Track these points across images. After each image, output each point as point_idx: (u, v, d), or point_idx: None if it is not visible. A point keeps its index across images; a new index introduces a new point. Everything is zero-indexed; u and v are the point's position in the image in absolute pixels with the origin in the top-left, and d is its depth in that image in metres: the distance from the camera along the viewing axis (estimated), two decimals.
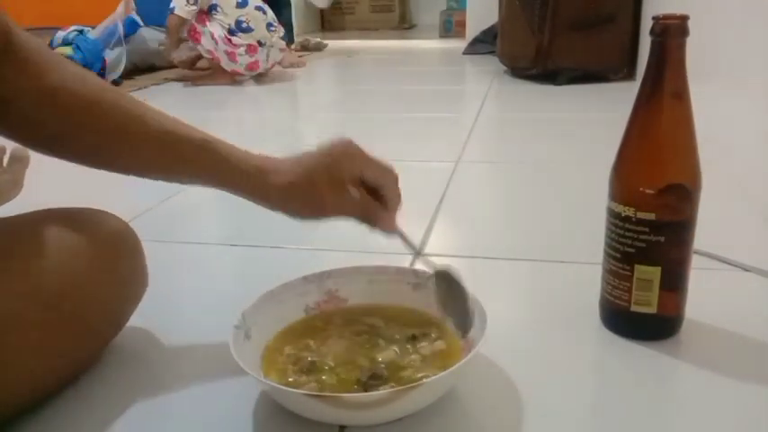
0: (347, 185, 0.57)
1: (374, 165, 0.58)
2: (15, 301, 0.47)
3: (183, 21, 2.25)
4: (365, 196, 0.58)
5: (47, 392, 0.52)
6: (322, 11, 4.92)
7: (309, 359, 0.54)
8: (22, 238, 0.52)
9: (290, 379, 0.52)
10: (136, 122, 0.55)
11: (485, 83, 2.21)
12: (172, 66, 2.76)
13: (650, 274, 0.57)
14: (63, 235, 0.53)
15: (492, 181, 1.18)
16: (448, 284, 0.58)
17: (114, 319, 0.58)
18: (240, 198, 0.59)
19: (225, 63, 2.28)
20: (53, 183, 1.25)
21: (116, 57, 2.42)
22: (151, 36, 2.66)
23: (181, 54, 2.43)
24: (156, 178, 0.58)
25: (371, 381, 0.51)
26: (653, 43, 0.53)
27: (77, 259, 0.52)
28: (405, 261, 0.81)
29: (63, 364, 0.53)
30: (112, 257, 0.56)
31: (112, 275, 0.56)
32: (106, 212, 0.60)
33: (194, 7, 2.22)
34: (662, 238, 0.55)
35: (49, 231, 0.53)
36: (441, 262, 0.81)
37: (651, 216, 0.55)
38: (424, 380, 0.48)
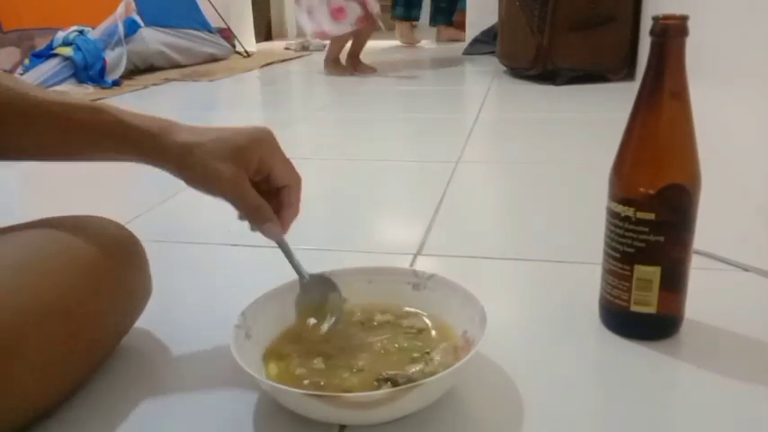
0: (252, 170, 0.54)
1: (287, 163, 0.56)
2: (10, 322, 0.45)
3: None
4: (260, 196, 0.55)
5: (50, 406, 0.51)
6: None
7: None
8: (15, 254, 0.50)
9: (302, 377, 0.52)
10: (20, 98, 0.52)
11: (485, 83, 2.21)
12: (172, 66, 2.77)
13: (650, 274, 0.57)
14: (66, 249, 0.52)
15: (492, 181, 1.18)
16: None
17: (117, 331, 0.57)
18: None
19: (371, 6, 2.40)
20: (51, 185, 1.25)
21: (116, 57, 2.42)
22: (151, 36, 2.66)
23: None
24: (54, 155, 0.56)
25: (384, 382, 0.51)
26: (653, 43, 0.54)
27: (76, 274, 0.51)
28: (405, 261, 0.81)
29: (66, 379, 0.52)
30: (113, 270, 0.55)
31: (114, 289, 0.55)
32: (105, 220, 0.59)
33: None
34: (662, 238, 0.55)
35: (46, 246, 0.51)
36: (441, 262, 0.82)
37: (651, 216, 0.55)
38: (424, 380, 0.48)
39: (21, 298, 0.46)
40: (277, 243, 0.58)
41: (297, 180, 0.57)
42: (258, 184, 0.56)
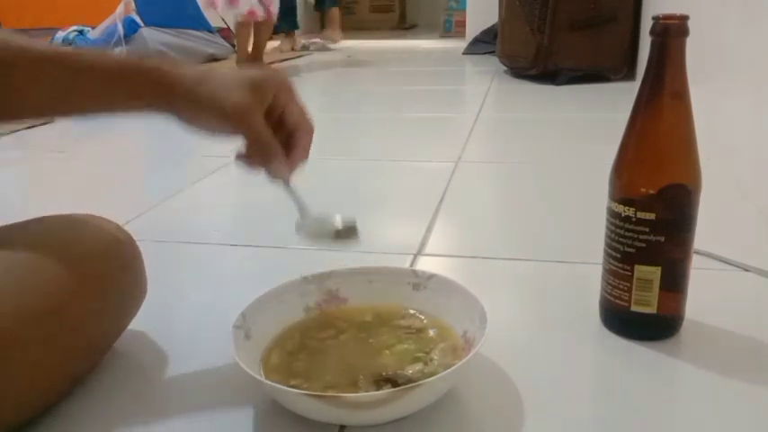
0: (266, 106, 0.52)
1: (301, 107, 0.54)
2: (5, 321, 0.45)
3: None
4: (271, 135, 0.52)
5: (47, 406, 0.51)
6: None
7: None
8: (11, 252, 0.50)
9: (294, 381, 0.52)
10: (28, 47, 0.51)
11: (485, 83, 2.21)
12: None
13: (650, 274, 0.57)
14: (56, 248, 0.51)
15: (492, 181, 1.18)
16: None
17: (113, 329, 0.57)
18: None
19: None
20: (51, 184, 1.25)
21: None
22: (151, 36, 2.66)
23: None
24: (62, 105, 0.54)
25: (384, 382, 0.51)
26: (653, 43, 0.53)
27: (73, 273, 0.50)
28: (405, 261, 0.81)
29: (63, 378, 0.52)
30: (110, 269, 0.55)
31: (111, 287, 0.54)
32: (102, 219, 0.58)
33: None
34: (662, 238, 0.55)
35: (41, 245, 0.51)
36: (441, 262, 0.82)
37: (651, 216, 0.55)
38: (424, 380, 0.48)
39: (16, 296, 0.46)
40: (283, 185, 0.55)
41: (310, 126, 0.55)
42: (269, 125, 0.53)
